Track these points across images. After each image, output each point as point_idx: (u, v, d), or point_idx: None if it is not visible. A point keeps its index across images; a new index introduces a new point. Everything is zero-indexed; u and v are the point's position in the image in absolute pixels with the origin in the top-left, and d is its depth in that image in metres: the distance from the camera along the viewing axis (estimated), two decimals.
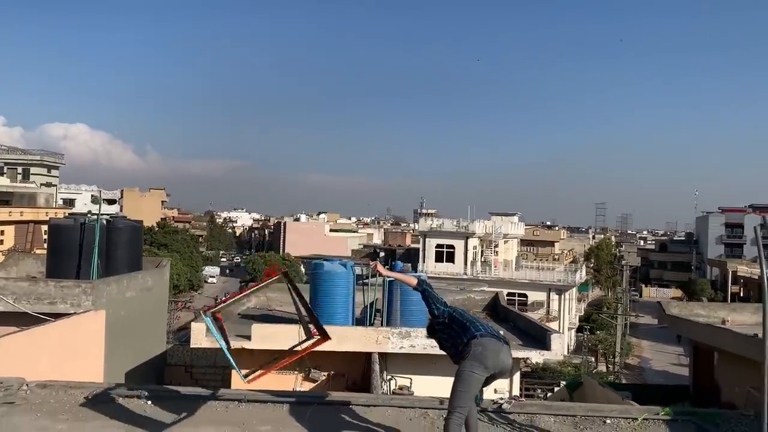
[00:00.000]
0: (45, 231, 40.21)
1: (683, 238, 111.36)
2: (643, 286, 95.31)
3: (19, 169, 64.16)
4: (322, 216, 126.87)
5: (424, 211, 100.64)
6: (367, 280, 12.76)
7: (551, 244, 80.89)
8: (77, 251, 13.15)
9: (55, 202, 60.83)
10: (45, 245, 24.40)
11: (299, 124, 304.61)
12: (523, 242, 74.16)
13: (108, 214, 16.83)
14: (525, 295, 49.78)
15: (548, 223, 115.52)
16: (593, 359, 46.98)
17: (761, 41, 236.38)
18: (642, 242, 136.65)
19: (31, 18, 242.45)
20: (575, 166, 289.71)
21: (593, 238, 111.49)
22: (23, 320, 10.72)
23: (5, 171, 62.39)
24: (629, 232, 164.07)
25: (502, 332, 5.42)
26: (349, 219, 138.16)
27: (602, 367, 47.43)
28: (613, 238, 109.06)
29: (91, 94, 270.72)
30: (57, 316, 10.90)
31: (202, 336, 10.55)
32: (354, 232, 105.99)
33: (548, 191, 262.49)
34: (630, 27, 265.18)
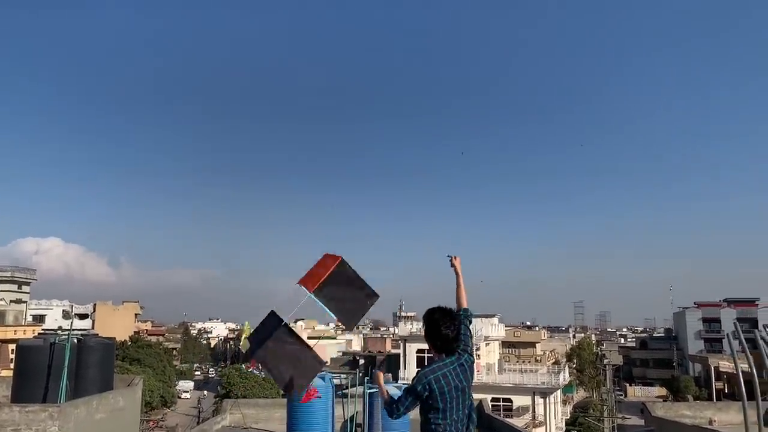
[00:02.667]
0: (12, 351, 38.92)
1: (662, 335, 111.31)
2: (627, 385, 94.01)
3: None
4: (299, 323, 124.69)
5: (403, 314, 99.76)
6: (346, 391, 12.42)
7: (532, 345, 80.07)
8: (45, 373, 12.70)
9: (25, 319, 59.15)
10: (11, 365, 23.52)
11: (273, 228, 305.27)
12: (504, 344, 73.33)
13: (79, 330, 16.41)
14: (510, 400, 48.60)
15: (528, 323, 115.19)
16: None
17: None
18: (622, 340, 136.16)
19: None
20: (550, 265, 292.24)
21: (574, 337, 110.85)
22: None
23: None
24: (609, 329, 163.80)
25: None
26: (327, 325, 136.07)
27: None
28: (593, 337, 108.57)
29: (64, 206, 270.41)
30: None
31: None
32: (333, 338, 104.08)
33: (525, 291, 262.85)
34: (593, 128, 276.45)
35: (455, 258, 5.58)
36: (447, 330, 4.70)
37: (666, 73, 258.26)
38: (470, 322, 5.09)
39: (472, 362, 4.90)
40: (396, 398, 4.80)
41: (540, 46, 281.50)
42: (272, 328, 8.64)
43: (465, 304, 5.28)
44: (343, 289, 8.93)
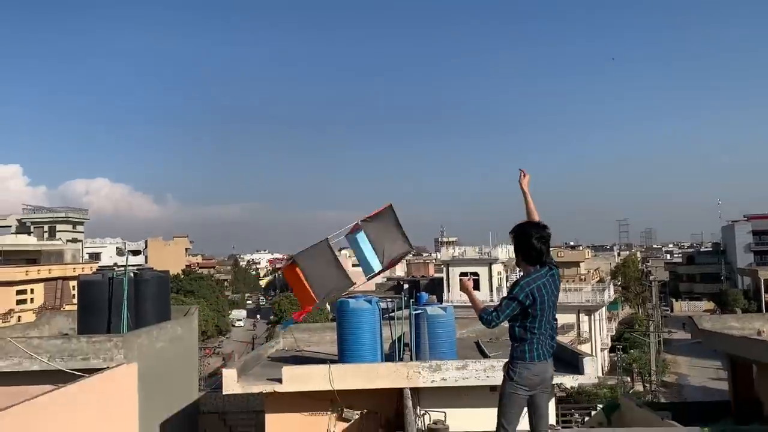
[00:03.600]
0: (73, 287, 40.92)
1: (710, 249, 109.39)
2: (674, 300, 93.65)
3: (46, 227, 65.37)
4: (343, 251, 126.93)
5: (445, 239, 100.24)
6: (392, 314, 12.76)
7: (576, 264, 79.99)
8: (107, 306, 13.34)
9: (82, 257, 61.70)
10: (75, 301, 24.75)
11: (309, 160, 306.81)
12: None
13: (134, 266, 17.12)
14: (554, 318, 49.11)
15: (571, 243, 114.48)
16: (629, 379, 46.05)
17: None
18: (668, 256, 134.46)
19: (37, 78, 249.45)
20: (594, 183, 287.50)
21: (618, 255, 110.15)
22: (58, 378, 10.87)
23: (32, 230, 63.57)
24: (654, 246, 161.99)
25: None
26: None
27: (639, 387, 46.45)
28: (638, 254, 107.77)
29: (108, 148, 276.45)
30: (91, 371, 11.04)
31: (233, 382, 10.58)
32: None
33: (569, 210, 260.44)
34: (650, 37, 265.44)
35: (524, 175, 5.50)
36: (539, 243, 4.80)
37: None
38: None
39: (559, 275, 5.05)
40: (493, 307, 4.86)
41: None
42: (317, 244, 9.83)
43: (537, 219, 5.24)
44: (384, 233, 9.78)
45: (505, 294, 5.00)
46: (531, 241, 4.80)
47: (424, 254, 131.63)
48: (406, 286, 65.81)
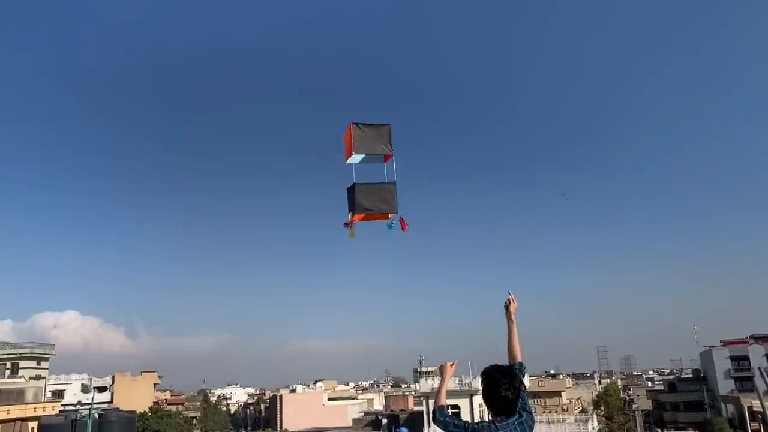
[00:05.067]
0: (32, 429, 38.64)
1: (690, 376, 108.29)
2: (659, 431, 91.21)
3: (8, 364, 62.87)
4: (319, 384, 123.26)
5: (424, 369, 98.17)
6: None
7: (558, 394, 78.43)
8: None
9: (44, 395, 58.88)
10: None
11: (283, 290, 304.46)
12: (529, 394, 71.68)
13: (99, 403, 16.37)
14: None
15: (552, 371, 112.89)
16: None
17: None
18: (649, 383, 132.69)
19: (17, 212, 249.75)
20: (572, 309, 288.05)
21: (599, 383, 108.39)
22: None
23: None
24: (635, 373, 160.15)
25: None
26: (348, 384, 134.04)
27: None
28: (619, 382, 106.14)
29: (81, 279, 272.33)
30: None
31: None
32: (353, 399, 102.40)
33: (547, 337, 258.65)
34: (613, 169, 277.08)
35: (513, 301, 5.28)
36: (507, 392, 4.48)
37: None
38: (523, 376, 4.83)
39: (533, 422, 4.68)
40: (452, 420, 4.56)
41: None
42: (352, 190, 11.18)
43: (519, 357, 5.02)
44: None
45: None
46: (499, 391, 4.49)
47: (403, 386, 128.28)
48: (384, 420, 63.55)
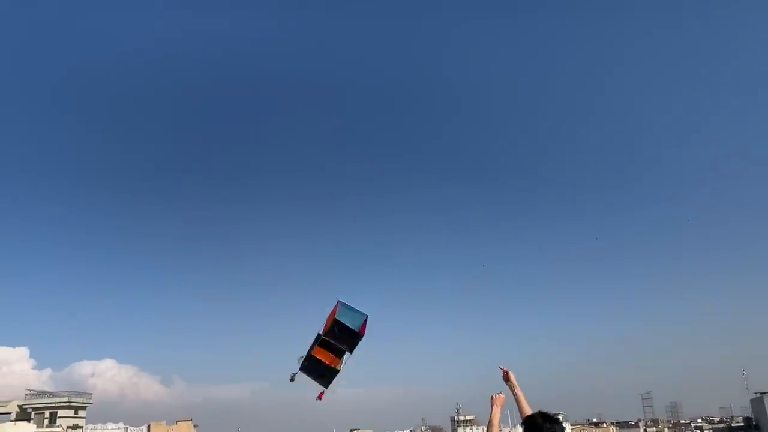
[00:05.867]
0: None
1: (742, 424, 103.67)
2: None
3: (47, 413, 63.46)
4: None
5: (461, 417, 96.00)
6: None
7: None
8: None
9: None
10: None
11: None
12: None
13: None
14: None
15: (594, 419, 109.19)
16: None
17: None
18: (698, 431, 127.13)
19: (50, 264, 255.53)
20: (615, 354, 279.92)
21: (644, 431, 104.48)
22: None
23: (33, 416, 61.67)
24: (682, 421, 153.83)
25: None
26: None
27: None
28: (666, 430, 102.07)
29: (118, 328, 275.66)
30: None
31: None
32: None
33: (589, 384, 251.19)
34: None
35: (507, 373, 5.50)
36: None
37: None
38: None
39: None
40: None
41: None
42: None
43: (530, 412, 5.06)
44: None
45: None
46: None
47: None
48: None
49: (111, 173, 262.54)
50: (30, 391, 69.44)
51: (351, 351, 11.24)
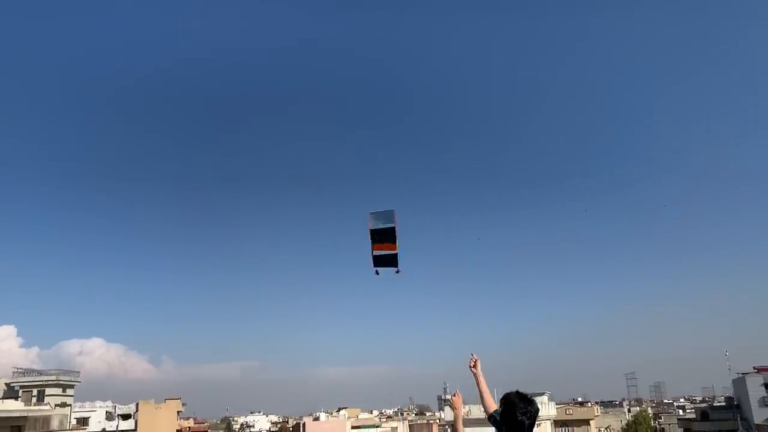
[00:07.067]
0: None
1: (723, 404, 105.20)
2: None
3: (34, 392, 63.33)
4: (342, 412, 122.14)
5: (447, 396, 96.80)
6: None
7: (586, 422, 76.64)
8: None
9: (69, 423, 59.20)
10: None
11: (312, 313, 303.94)
12: (557, 423, 70.30)
13: (124, 431, 16.28)
14: None
15: (579, 399, 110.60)
16: None
17: None
18: (680, 411, 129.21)
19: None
20: (600, 335, 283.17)
21: (629, 411, 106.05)
22: None
23: (20, 394, 61.55)
24: (665, 401, 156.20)
25: None
26: (371, 412, 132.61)
27: None
28: (649, 410, 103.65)
29: (106, 307, 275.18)
30: None
31: None
32: (377, 426, 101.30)
33: (575, 363, 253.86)
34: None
35: (475, 361, 5.53)
36: (523, 416, 4.52)
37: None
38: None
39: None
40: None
41: None
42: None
43: (494, 406, 5.09)
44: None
45: None
46: (515, 415, 4.53)
47: (427, 414, 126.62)
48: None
49: (99, 155, 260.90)
50: (17, 369, 69.27)
51: (394, 240, 13.84)
